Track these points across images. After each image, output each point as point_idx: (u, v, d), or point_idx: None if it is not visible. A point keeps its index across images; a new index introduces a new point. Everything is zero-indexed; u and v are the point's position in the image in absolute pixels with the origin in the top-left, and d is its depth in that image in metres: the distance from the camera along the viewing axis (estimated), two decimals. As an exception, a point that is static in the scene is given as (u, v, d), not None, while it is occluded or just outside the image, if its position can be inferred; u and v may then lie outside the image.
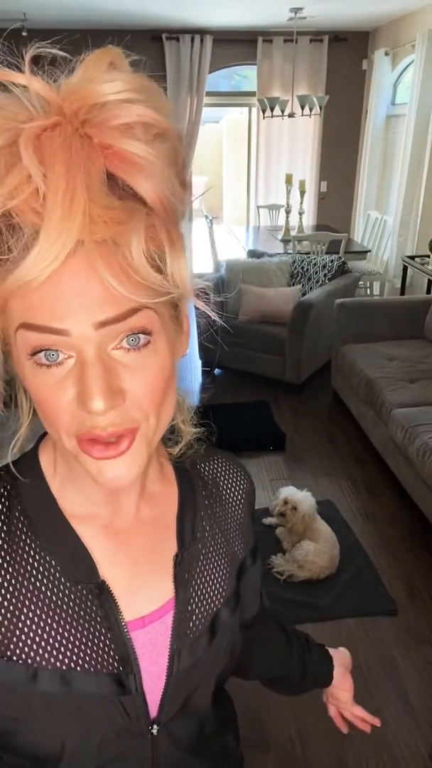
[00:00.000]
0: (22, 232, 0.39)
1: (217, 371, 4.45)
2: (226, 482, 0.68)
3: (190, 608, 0.60)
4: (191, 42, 5.96)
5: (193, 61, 6.03)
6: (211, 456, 0.69)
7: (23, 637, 0.53)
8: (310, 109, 5.47)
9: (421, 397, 3.07)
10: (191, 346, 2.68)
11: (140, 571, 0.59)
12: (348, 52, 6.26)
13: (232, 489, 0.69)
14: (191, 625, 0.60)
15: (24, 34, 5.22)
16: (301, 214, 5.75)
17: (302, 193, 5.69)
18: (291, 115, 5.65)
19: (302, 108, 5.48)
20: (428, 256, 4.58)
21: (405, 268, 4.96)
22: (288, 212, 5.75)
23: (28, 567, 0.54)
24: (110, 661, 0.55)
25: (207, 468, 0.68)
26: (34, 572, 0.54)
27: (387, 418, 3.01)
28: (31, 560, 0.54)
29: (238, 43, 6.13)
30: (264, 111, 5.61)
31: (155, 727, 0.60)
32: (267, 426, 3.66)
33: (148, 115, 0.39)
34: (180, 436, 0.62)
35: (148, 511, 0.60)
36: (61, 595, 0.54)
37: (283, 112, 5.48)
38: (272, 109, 5.42)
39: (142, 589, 0.59)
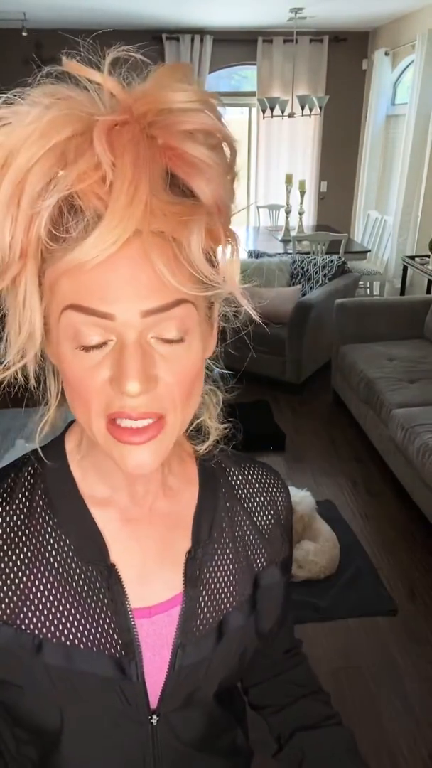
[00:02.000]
0: (83, 216, 0.41)
1: (216, 371, 4.44)
2: (256, 491, 0.68)
3: (198, 606, 0.61)
4: (191, 42, 5.96)
5: (193, 61, 6.03)
6: (247, 463, 0.69)
7: (33, 608, 0.55)
8: (310, 109, 5.47)
9: (421, 397, 3.07)
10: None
11: (151, 562, 0.60)
12: (348, 52, 6.26)
13: (262, 499, 0.68)
14: (198, 623, 0.61)
15: (24, 34, 5.23)
16: (301, 214, 5.75)
17: (302, 193, 5.69)
18: (291, 115, 5.65)
19: (302, 108, 5.48)
20: (428, 256, 4.58)
21: (405, 268, 4.96)
22: (288, 212, 5.75)
23: (45, 543, 0.57)
24: (113, 644, 0.57)
25: (238, 474, 0.68)
26: (50, 548, 0.57)
27: (387, 418, 3.01)
28: (48, 537, 0.57)
29: (238, 43, 6.13)
30: (264, 111, 5.60)
31: (155, 717, 0.61)
32: (267, 426, 3.66)
33: (210, 123, 0.43)
34: (207, 435, 0.63)
35: (165, 505, 0.61)
36: (72, 573, 0.57)
37: (283, 112, 5.48)
38: (272, 109, 5.42)
39: (152, 579, 0.60)
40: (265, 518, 0.68)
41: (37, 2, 4.68)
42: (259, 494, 0.68)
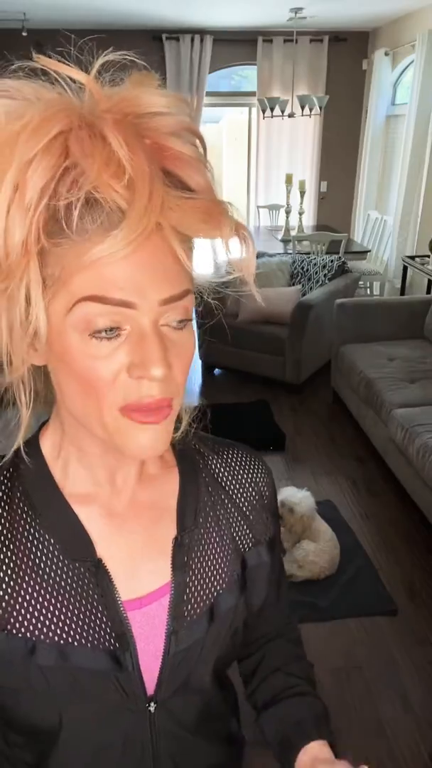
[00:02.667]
0: (101, 210, 0.43)
1: (216, 371, 4.45)
2: (237, 474, 0.69)
3: (188, 591, 0.62)
4: (191, 42, 5.96)
5: (193, 61, 6.03)
6: (225, 447, 0.70)
7: (23, 611, 0.55)
8: (310, 109, 5.47)
9: (421, 397, 3.07)
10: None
11: (137, 553, 0.60)
12: (348, 52, 6.26)
13: (243, 481, 0.69)
14: (189, 608, 0.61)
15: (24, 34, 5.23)
16: (301, 214, 5.75)
17: (302, 193, 5.69)
18: (291, 115, 5.65)
19: (302, 108, 5.48)
20: (428, 256, 4.58)
21: (405, 268, 4.96)
22: (288, 212, 5.76)
23: (29, 545, 0.56)
24: (107, 637, 0.57)
25: (217, 458, 0.69)
26: (34, 550, 0.56)
27: (387, 418, 3.01)
28: (31, 538, 0.57)
29: (238, 43, 6.13)
30: (264, 111, 5.61)
31: (152, 704, 0.61)
32: (267, 426, 3.66)
33: (189, 124, 0.46)
34: (179, 422, 0.64)
35: (146, 495, 0.62)
36: (59, 572, 0.57)
37: (283, 112, 5.48)
38: (272, 109, 5.41)
39: (140, 570, 0.60)
40: (247, 499, 0.69)
41: (37, 2, 4.68)
42: (239, 476, 0.69)
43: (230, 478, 0.68)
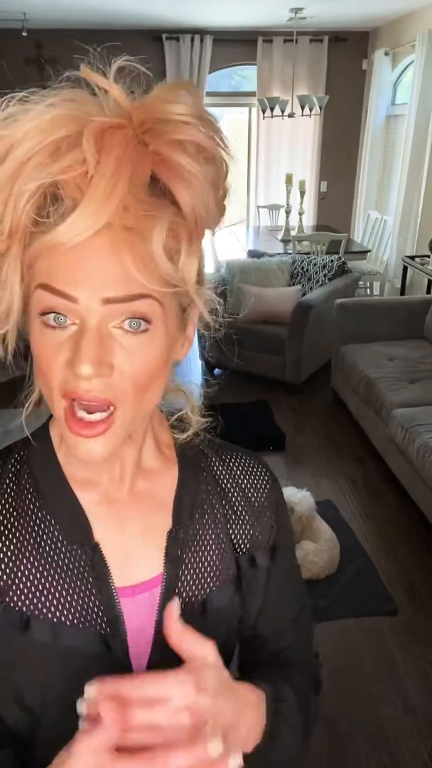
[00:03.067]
0: (62, 204, 0.45)
1: (216, 371, 4.45)
2: (238, 478, 0.69)
3: (180, 584, 0.62)
4: (191, 42, 5.96)
5: (193, 61, 6.03)
6: (229, 451, 0.71)
7: (21, 586, 0.58)
8: (310, 109, 5.47)
9: (421, 397, 3.07)
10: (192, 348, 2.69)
11: (133, 542, 0.62)
12: (348, 52, 6.26)
13: (244, 485, 0.69)
14: (180, 601, 0.61)
15: (24, 34, 5.24)
16: (301, 214, 5.75)
17: (302, 193, 5.69)
18: (291, 115, 5.65)
19: (302, 108, 5.48)
20: (428, 256, 4.58)
21: (405, 268, 4.96)
22: (288, 212, 5.76)
23: (32, 524, 0.59)
24: (98, 620, 0.59)
25: (219, 461, 0.69)
26: (36, 529, 0.59)
27: (387, 418, 3.01)
28: (34, 517, 0.60)
29: (238, 43, 6.13)
30: (264, 111, 5.60)
31: None
32: (267, 426, 3.66)
33: (202, 138, 0.47)
34: (189, 425, 0.66)
35: (144, 486, 0.64)
36: (58, 552, 0.59)
37: (283, 112, 5.48)
38: (272, 109, 5.41)
39: (134, 558, 0.62)
40: (247, 503, 0.69)
41: (37, 2, 4.68)
42: (240, 480, 0.69)
43: (231, 481, 0.69)
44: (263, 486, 0.70)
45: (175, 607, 0.50)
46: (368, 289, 5.60)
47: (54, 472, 0.61)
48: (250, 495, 0.69)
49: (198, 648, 0.50)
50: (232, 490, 0.69)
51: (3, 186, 0.45)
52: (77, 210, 0.43)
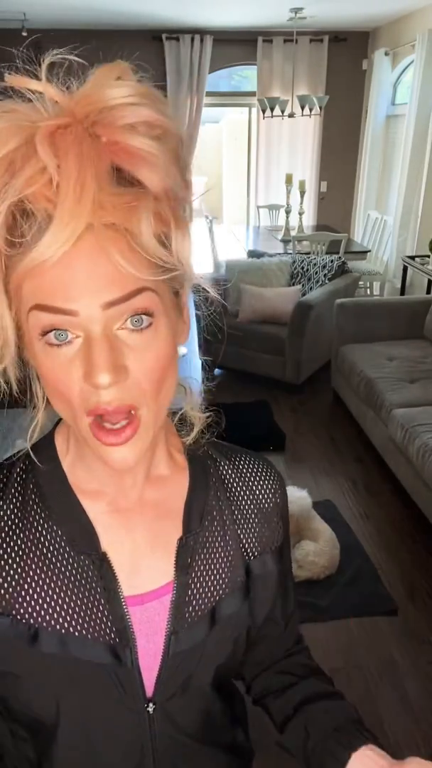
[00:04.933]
0: (35, 218, 0.43)
1: (217, 371, 4.44)
2: (247, 480, 0.69)
3: (190, 592, 0.62)
4: (191, 42, 5.96)
5: (193, 61, 6.03)
6: (237, 454, 0.70)
7: (27, 598, 0.57)
8: (310, 109, 5.47)
9: (421, 397, 3.07)
10: (192, 344, 2.69)
11: (142, 550, 0.61)
12: (348, 52, 6.25)
13: (254, 488, 0.69)
14: (190, 609, 0.62)
15: (24, 34, 5.23)
16: (301, 214, 5.75)
17: (302, 193, 5.69)
18: (291, 115, 5.65)
19: (302, 108, 5.48)
20: (428, 256, 4.58)
21: (405, 268, 4.96)
22: (288, 212, 5.75)
23: (38, 535, 0.59)
24: (107, 631, 0.58)
25: (228, 464, 0.69)
26: (43, 540, 0.58)
27: (387, 418, 3.01)
28: (40, 528, 0.59)
29: (238, 43, 6.13)
30: (264, 111, 5.60)
31: (151, 705, 0.61)
32: (267, 426, 3.66)
33: (151, 115, 0.44)
34: (191, 424, 0.65)
35: (153, 494, 0.63)
36: (65, 563, 0.58)
37: (283, 112, 5.48)
38: (272, 109, 5.41)
39: (143, 567, 0.61)
40: (256, 507, 0.68)
41: (37, 2, 4.68)
42: (249, 483, 0.69)
43: (240, 484, 0.68)
44: (273, 489, 0.70)
45: None
46: (368, 289, 5.61)
47: (60, 483, 0.60)
48: (260, 498, 0.69)
49: None
50: (241, 493, 0.68)
51: None
52: (54, 220, 0.41)
